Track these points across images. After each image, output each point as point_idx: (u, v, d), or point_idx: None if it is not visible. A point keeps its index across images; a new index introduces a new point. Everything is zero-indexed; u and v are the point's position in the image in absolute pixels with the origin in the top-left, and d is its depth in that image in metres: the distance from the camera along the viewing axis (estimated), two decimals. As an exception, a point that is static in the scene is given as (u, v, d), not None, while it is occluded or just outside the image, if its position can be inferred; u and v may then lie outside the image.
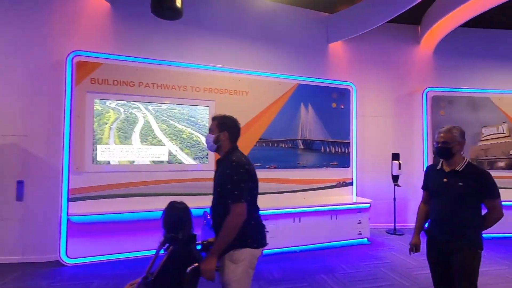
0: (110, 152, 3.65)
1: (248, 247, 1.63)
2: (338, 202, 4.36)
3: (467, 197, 1.86)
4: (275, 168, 4.46)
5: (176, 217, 1.67)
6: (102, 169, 3.62)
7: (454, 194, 1.89)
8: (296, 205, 4.14)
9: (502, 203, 1.90)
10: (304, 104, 4.68)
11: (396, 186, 5.04)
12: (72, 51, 3.57)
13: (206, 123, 4.09)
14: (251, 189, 1.68)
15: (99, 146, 3.60)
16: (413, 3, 4.13)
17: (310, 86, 4.74)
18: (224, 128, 1.78)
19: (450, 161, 1.95)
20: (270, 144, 4.46)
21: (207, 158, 4.08)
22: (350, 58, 5.45)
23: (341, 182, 4.89)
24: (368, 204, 4.50)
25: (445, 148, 1.93)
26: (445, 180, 1.95)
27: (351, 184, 4.97)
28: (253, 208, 1.73)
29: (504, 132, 5.37)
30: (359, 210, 4.42)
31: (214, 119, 1.84)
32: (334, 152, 4.87)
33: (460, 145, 1.93)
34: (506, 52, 5.81)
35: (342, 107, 4.95)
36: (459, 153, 1.94)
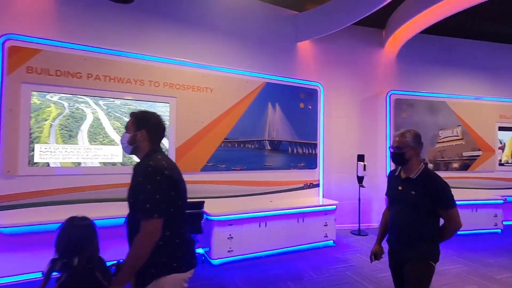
0: (51, 152, 3.18)
1: (176, 272, 1.36)
2: (305, 205, 4.26)
3: (421, 206, 1.76)
4: (241, 170, 4.24)
5: (74, 237, 1.30)
6: (41, 172, 3.13)
7: (408, 203, 1.80)
8: (263, 208, 3.96)
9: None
10: (271, 103, 4.52)
11: (361, 187, 5.09)
12: (4, 34, 3.04)
13: (167, 121, 3.75)
14: (173, 200, 1.38)
15: (37, 146, 3.12)
16: (379, 6, 4.16)
17: (278, 85, 4.60)
18: (142, 126, 1.49)
19: (406, 167, 1.86)
20: (236, 145, 4.24)
21: (166, 159, 3.75)
22: (318, 58, 5.41)
23: (308, 184, 4.81)
24: (335, 206, 4.46)
25: (397, 154, 1.84)
26: (400, 188, 1.87)
27: (318, 185, 4.91)
28: (178, 223, 1.43)
29: (458, 135, 5.69)
30: (326, 212, 4.36)
31: (131, 115, 1.55)
32: (302, 153, 4.78)
33: (414, 150, 1.82)
34: (460, 59, 6.17)
35: (310, 107, 4.88)
36: (414, 159, 1.83)
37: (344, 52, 5.54)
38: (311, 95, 4.89)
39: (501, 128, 5.94)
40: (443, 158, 5.58)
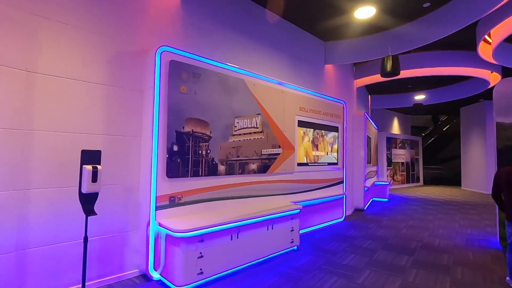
0: None
1: None
2: None
3: None
4: None
5: None
6: None
7: None
8: None
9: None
10: None
11: (89, 216, 2.59)
12: None
13: None
14: None
15: None
16: None
17: None
18: None
19: None
20: None
21: None
22: None
23: None
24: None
25: None
26: None
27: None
28: None
29: (257, 126, 4.33)
30: None
31: None
32: None
33: None
34: (265, 34, 4.97)
35: None
36: None
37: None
38: None
39: (300, 123, 5.15)
40: (239, 157, 4.02)
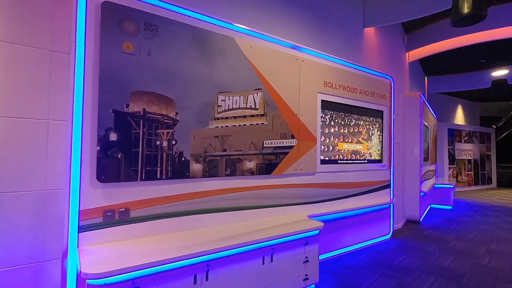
0: None
1: None
2: None
3: None
4: None
5: None
6: None
7: None
8: None
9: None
10: None
11: None
12: None
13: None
14: None
15: None
16: None
17: None
18: None
19: None
20: None
21: None
22: None
23: None
24: None
25: None
26: None
27: None
28: None
29: (257, 107, 3.00)
30: None
31: None
32: None
33: None
34: (273, -17, 3.60)
35: None
36: None
37: None
38: None
39: (324, 104, 3.70)
40: (225, 151, 2.76)
